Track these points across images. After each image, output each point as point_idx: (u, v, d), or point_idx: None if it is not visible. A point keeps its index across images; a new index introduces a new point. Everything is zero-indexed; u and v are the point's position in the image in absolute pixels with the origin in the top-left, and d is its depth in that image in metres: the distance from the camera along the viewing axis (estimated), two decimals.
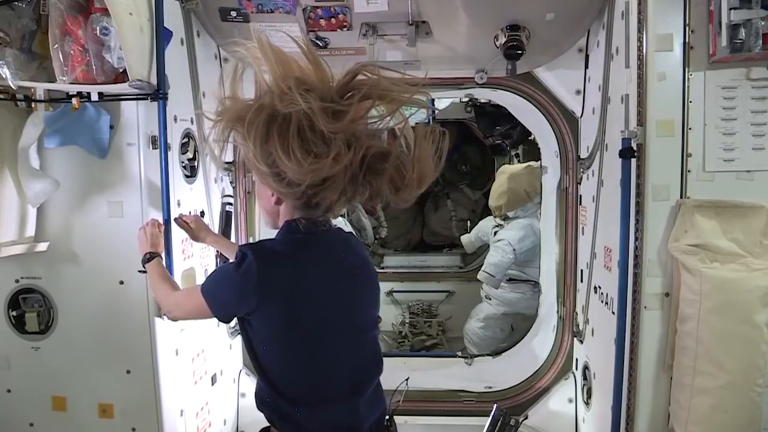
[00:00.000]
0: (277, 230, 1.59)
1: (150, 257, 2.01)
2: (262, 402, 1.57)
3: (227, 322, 1.65)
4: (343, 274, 1.56)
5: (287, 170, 1.30)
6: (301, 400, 1.51)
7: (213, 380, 2.77)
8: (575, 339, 3.01)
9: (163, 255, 2.09)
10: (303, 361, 1.50)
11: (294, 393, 1.51)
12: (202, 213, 2.66)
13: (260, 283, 1.43)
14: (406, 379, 1.95)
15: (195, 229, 2.27)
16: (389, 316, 5.28)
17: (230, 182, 3.03)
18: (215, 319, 1.59)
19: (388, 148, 1.39)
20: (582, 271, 2.89)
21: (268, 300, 1.44)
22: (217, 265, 2.79)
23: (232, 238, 2.97)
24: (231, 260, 2.84)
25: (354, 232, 4.78)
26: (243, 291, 1.45)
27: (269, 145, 1.32)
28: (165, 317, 1.96)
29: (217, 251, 2.79)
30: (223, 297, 1.54)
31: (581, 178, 2.89)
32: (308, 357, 1.50)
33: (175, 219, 2.24)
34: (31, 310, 2.30)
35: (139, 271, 2.09)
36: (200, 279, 2.64)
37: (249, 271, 1.44)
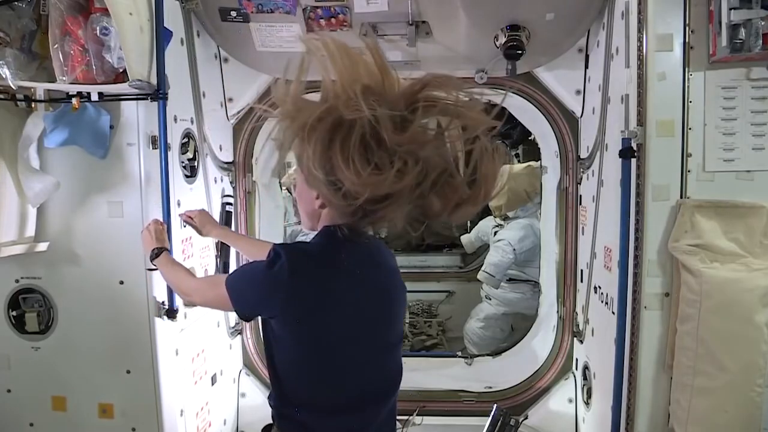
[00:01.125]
0: (314, 233, 1.52)
1: (158, 252, 1.99)
2: (271, 400, 1.55)
3: (247, 320, 1.61)
4: (375, 286, 1.50)
5: (346, 181, 1.23)
6: (312, 407, 1.47)
7: (213, 380, 2.77)
8: (575, 339, 3.01)
9: (170, 249, 2.07)
10: (321, 371, 1.44)
11: (305, 399, 1.47)
12: None
13: (289, 289, 1.37)
14: (415, 411, 1.87)
15: (200, 223, 2.26)
16: None
17: (230, 182, 3.03)
18: (223, 315, 1.56)
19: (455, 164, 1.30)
20: (582, 271, 2.89)
21: (294, 307, 1.39)
22: (217, 265, 2.79)
23: None
24: (239, 255, 2.88)
25: None
26: (269, 293, 1.41)
27: (330, 152, 1.24)
28: (180, 305, 1.90)
29: (217, 252, 2.79)
30: (247, 294, 1.49)
31: (581, 178, 2.89)
32: (327, 368, 1.44)
33: (180, 215, 2.23)
34: (31, 310, 2.30)
35: (148, 269, 2.11)
36: None
37: (280, 275, 1.37)
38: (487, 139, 1.28)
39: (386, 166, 1.21)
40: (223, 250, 2.82)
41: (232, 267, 2.98)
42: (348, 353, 1.45)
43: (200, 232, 2.28)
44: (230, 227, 2.90)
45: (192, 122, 2.54)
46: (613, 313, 2.24)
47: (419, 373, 3.26)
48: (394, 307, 1.56)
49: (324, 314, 1.40)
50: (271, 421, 1.58)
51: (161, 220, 2.15)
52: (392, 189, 1.22)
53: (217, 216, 2.83)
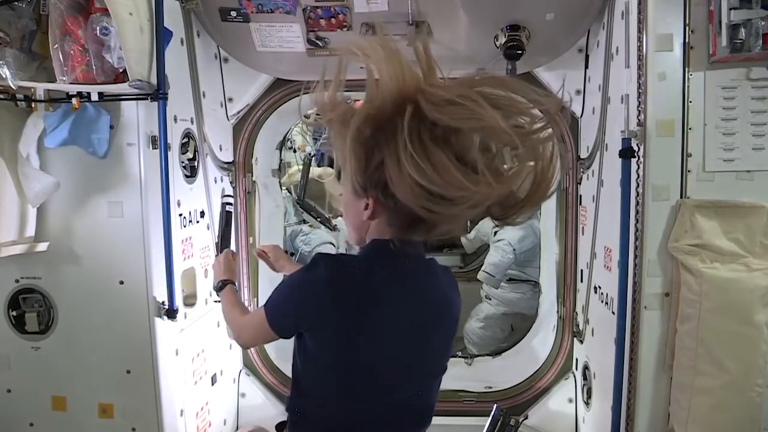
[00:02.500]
0: (361, 247, 1.41)
1: (223, 285, 1.96)
2: (289, 408, 1.49)
3: (285, 336, 1.48)
4: (419, 312, 1.38)
5: (449, 191, 1.13)
6: (330, 423, 1.41)
7: (213, 380, 2.77)
8: (575, 339, 3.01)
9: (236, 282, 2.03)
10: (346, 392, 1.37)
11: (323, 414, 1.41)
12: (202, 213, 2.66)
13: (325, 297, 1.30)
14: None
15: (273, 258, 2.17)
16: None
17: (230, 182, 3.03)
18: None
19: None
20: (582, 271, 2.89)
21: (327, 316, 1.31)
22: None
23: (232, 238, 2.97)
24: (239, 257, 2.87)
25: None
26: (305, 300, 1.33)
27: (381, 156, 1.17)
28: (235, 342, 1.82)
29: (217, 252, 2.79)
30: (283, 306, 1.41)
31: (581, 178, 2.89)
32: (353, 390, 1.36)
33: (255, 250, 2.19)
34: (31, 310, 2.30)
35: (215, 301, 2.09)
36: (200, 279, 2.64)
37: (318, 282, 1.30)
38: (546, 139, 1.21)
39: (446, 168, 1.12)
40: (223, 250, 2.82)
41: None
42: (371, 375, 1.36)
43: (273, 268, 2.18)
44: (230, 227, 2.90)
45: (192, 122, 2.54)
46: (613, 313, 2.24)
47: None
48: (433, 337, 1.42)
49: (356, 331, 1.31)
50: (284, 420, 1.53)
51: (233, 250, 2.12)
52: (490, 193, 1.14)
53: (217, 216, 2.83)
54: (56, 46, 2.01)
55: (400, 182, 1.15)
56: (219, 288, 1.96)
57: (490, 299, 4.30)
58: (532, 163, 1.19)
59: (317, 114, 1.31)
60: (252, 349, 3.20)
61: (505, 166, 1.20)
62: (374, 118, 1.19)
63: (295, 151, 4.63)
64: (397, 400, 1.41)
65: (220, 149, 2.90)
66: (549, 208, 3.26)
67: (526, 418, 2.85)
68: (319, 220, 4.21)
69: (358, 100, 5.00)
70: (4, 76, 1.99)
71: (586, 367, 2.84)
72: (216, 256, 2.78)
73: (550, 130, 1.21)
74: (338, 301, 1.30)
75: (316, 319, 1.32)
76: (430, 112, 1.12)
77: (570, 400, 3.04)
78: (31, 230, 2.22)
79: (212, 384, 2.76)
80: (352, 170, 1.24)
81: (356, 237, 1.43)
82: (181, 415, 2.39)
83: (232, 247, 2.97)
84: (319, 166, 4.61)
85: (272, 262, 2.18)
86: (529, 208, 1.25)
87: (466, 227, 1.33)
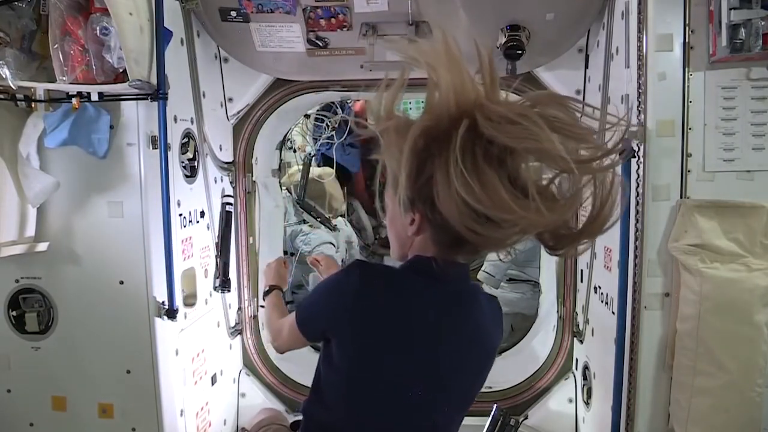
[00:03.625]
0: (402, 262, 1.37)
1: (270, 290, 1.97)
2: (303, 411, 1.47)
3: (313, 339, 1.45)
4: (449, 339, 1.31)
5: (496, 212, 1.08)
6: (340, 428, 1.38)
7: (213, 380, 2.77)
8: (575, 339, 3.01)
9: (284, 290, 2.03)
10: (358, 406, 1.34)
11: (336, 426, 1.38)
12: (202, 213, 2.66)
13: (354, 300, 1.27)
14: None
15: (324, 267, 2.18)
16: None
17: (230, 182, 3.03)
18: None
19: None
20: (582, 271, 2.89)
21: (350, 329, 1.28)
22: (217, 265, 2.80)
23: (232, 238, 2.97)
24: (239, 258, 2.86)
25: (355, 233, 4.78)
26: (336, 301, 1.31)
27: (432, 171, 1.12)
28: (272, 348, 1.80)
29: (217, 252, 2.80)
30: (313, 308, 1.40)
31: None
32: (366, 405, 1.33)
33: (308, 258, 2.20)
34: (31, 310, 2.30)
35: (261, 306, 2.09)
36: (200, 279, 2.64)
37: (351, 284, 1.28)
38: (607, 167, 1.14)
39: (496, 188, 1.07)
40: (223, 250, 2.83)
41: (232, 267, 2.99)
42: (386, 393, 1.31)
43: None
44: (230, 227, 2.91)
45: (192, 122, 2.54)
46: (613, 313, 2.24)
47: None
48: (459, 368, 1.35)
49: (376, 345, 1.28)
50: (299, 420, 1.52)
51: (285, 259, 2.13)
52: (539, 221, 1.08)
53: (217, 216, 2.83)
54: (56, 46, 2.01)
55: (447, 199, 1.10)
56: (266, 293, 1.96)
57: None
58: (589, 193, 1.13)
59: (369, 121, 1.26)
60: (252, 349, 3.20)
61: (559, 194, 1.14)
62: (430, 129, 1.13)
63: (295, 151, 4.64)
64: (411, 426, 1.35)
65: (220, 149, 2.90)
66: None
67: (526, 418, 2.85)
68: (319, 220, 4.21)
69: (358, 101, 5.01)
70: (4, 76, 1.99)
71: (586, 367, 2.84)
72: (216, 255, 2.79)
73: (611, 158, 1.15)
74: (364, 313, 1.26)
75: (340, 326, 1.29)
76: (486, 128, 1.07)
77: (570, 400, 3.04)
78: (31, 230, 2.22)
79: (212, 384, 2.76)
80: (402, 182, 1.18)
81: (399, 252, 1.38)
82: (181, 415, 2.39)
83: (232, 247, 2.97)
84: (319, 166, 4.61)
85: (323, 271, 2.17)
86: (584, 241, 1.19)
87: (510, 250, 1.26)
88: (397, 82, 1.20)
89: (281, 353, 1.72)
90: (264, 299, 1.97)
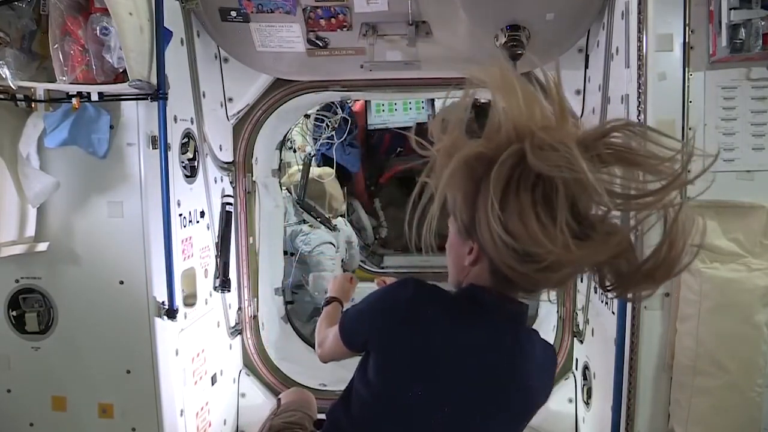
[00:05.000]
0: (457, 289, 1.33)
1: (330, 301, 1.98)
2: (328, 414, 1.45)
3: (353, 348, 1.40)
4: (487, 382, 1.23)
5: (544, 253, 1.02)
6: None
7: (213, 380, 2.77)
8: (575, 339, 3.00)
9: (344, 305, 2.01)
10: (378, 426, 1.30)
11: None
12: (202, 213, 2.66)
13: (401, 314, 1.23)
14: None
15: None
16: None
17: (230, 182, 3.03)
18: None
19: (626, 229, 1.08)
20: None
21: (387, 346, 1.25)
22: (217, 265, 2.79)
23: (232, 238, 2.97)
24: (239, 257, 2.85)
25: (354, 233, 4.78)
26: (382, 311, 1.28)
27: (507, 206, 1.05)
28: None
29: (217, 252, 2.80)
30: (356, 317, 1.36)
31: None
32: (386, 426, 1.29)
33: (377, 280, 2.16)
34: (31, 310, 2.30)
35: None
36: (200, 279, 2.64)
37: (401, 296, 1.25)
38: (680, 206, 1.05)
39: (529, 218, 1.02)
40: (223, 250, 2.82)
41: (232, 267, 2.99)
42: (410, 422, 1.26)
43: None
44: (230, 227, 2.91)
45: (192, 122, 2.54)
46: (613, 313, 2.24)
47: None
48: (493, 415, 1.26)
49: (410, 369, 1.23)
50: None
51: (356, 278, 2.14)
52: (567, 257, 1.02)
53: (217, 216, 2.83)
54: (56, 46, 2.01)
55: (485, 227, 1.07)
56: (326, 303, 1.96)
57: None
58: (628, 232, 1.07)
59: (427, 141, 1.21)
60: (252, 349, 3.20)
61: (601, 229, 1.06)
62: (484, 155, 1.09)
63: (295, 151, 4.63)
64: None
65: (220, 149, 2.90)
66: None
67: None
68: (319, 220, 4.21)
69: (357, 101, 4.99)
70: (4, 76, 1.99)
71: (586, 367, 2.84)
72: (216, 255, 2.79)
73: (674, 198, 1.06)
74: (407, 331, 1.22)
75: (382, 339, 1.26)
76: (530, 155, 1.02)
77: (570, 400, 3.04)
78: (31, 230, 2.22)
79: (212, 384, 2.76)
80: (458, 208, 1.16)
81: (455, 279, 1.32)
82: (181, 415, 2.38)
83: (232, 247, 2.97)
84: (319, 166, 4.61)
85: None
86: (647, 286, 1.11)
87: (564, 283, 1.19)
88: (461, 103, 1.17)
89: (324, 362, 1.66)
90: (322, 308, 1.97)
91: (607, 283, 1.13)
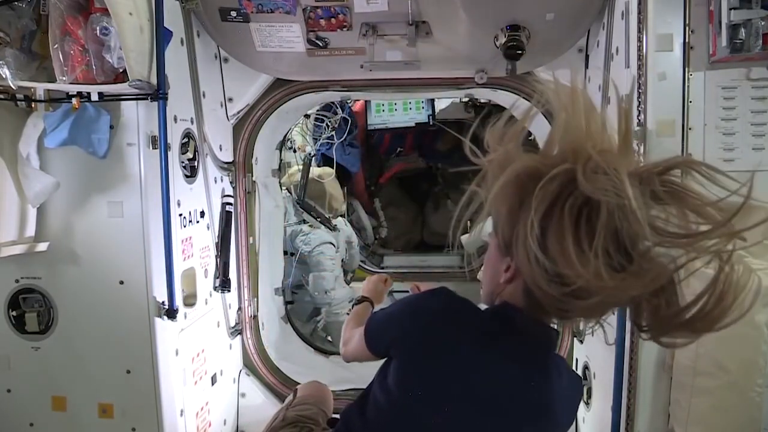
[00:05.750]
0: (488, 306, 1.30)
1: (362, 300, 1.97)
2: (342, 414, 1.43)
3: (376, 352, 1.37)
4: (508, 401, 1.20)
5: (573, 276, 0.98)
6: None
7: (213, 380, 2.77)
8: (575, 339, 3.00)
9: (374, 305, 2.00)
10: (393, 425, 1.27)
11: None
12: (202, 213, 2.66)
13: (428, 323, 1.21)
14: None
15: None
16: None
17: (230, 182, 3.03)
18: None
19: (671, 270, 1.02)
20: None
21: (409, 355, 1.22)
22: (217, 265, 2.80)
23: (232, 238, 2.97)
24: (239, 257, 2.84)
25: (354, 233, 4.78)
26: (410, 317, 1.26)
27: (548, 224, 1.02)
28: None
29: (217, 252, 2.80)
30: (383, 320, 1.34)
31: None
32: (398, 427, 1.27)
33: (411, 286, 2.18)
34: (31, 310, 2.30)
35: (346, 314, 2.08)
36: (200, 279, 2.64)
37: (431, 304, 1.23)
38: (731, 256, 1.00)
39: (566, 238, 0.99)
40: (223, 250, 2.83)
41: (232, 267, 2.99)
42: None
43: None
44: (230, 227, 2.91)
45: (192, 122, 2.54)
46: (613, 313, 2.23)
47: None
48: None
49: (427, 382, 1.20)
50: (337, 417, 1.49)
51: (390, 279, 2.14)
52: (597, 284, 0.97)
53: (217, 216, 2.83)
54: (56, 46, 2.01)
55: (521, 243, 1.04)
56: (357, 302, 1.96)
57: None
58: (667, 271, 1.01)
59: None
60: (252, 349, 3.20)
61: (643, 263, 1.01)
62: (536, 169, 1.05)
63: (295, 151, 4.63)
64: None
65: (220, 149, 2.90)
66: None
67: None
68: (319, 220, 4.21)
69: (357, 101, 4.99)
70: (4, 76, 1.99)
71: (586, 367, 2.84)
72: (216, 255, 2.79)
73: (726, 245, 1.02)
74: (432, 342, 1.20)
75: (405, 346, 1.23)
76: (581, 176, 0.99)
77: None
78: (31, 230, 2.22)
79: (212, 384, 2.76)
80: (502, 222, 1.13)
81: (487, 296, 1.30)
82: (181, 415, 2.38)
83: (232, 247, 2.97)
84: (319, 166, 4.61)
85: None
86: (685, 335, 1.06)
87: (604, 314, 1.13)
88: (524, 115, 1.14)
89: (347, 362, 1.65)
90: (352, 306, 1.97)
91: (643, 323, 1.08)
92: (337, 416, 1.48)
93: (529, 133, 4.23)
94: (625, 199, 0.95)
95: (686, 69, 1.99)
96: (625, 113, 1.07)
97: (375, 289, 2.05)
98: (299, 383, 3.14)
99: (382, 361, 1.36)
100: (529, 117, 1.14)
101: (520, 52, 2.49)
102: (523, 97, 2.93)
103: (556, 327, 1.24)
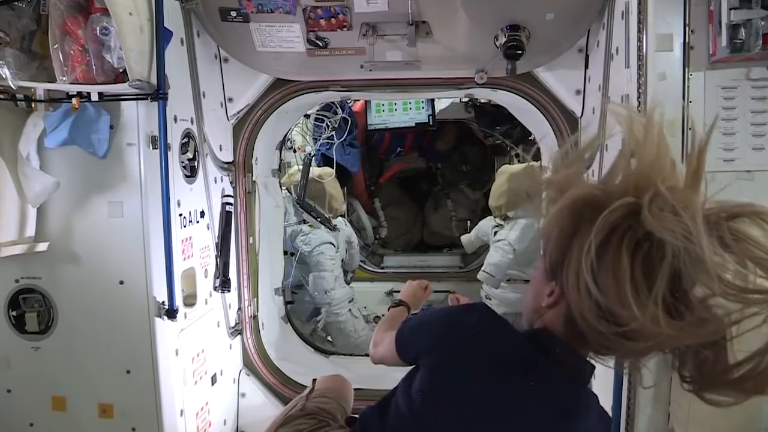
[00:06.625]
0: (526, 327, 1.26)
1: (399, 304, 1.96)
2: (361, 415, 1.42)
3: (404, 357, 1.36)
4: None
5: (628, 317, 0.95)
6: None
7: (213, 380, 2.77)
8: None
9: (411, 310, 1.98)
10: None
11: None
12: (202, 213, 2.66)
13: (449, 345, 1.18)
14: None
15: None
16: None
17: (230, 182, 3.03)
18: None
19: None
20: None
21: (437, 368, 1.19)
22: (217, 265, 2.79)
23: (232, 238, 2.97)
24: (239, 257, 2.84)
25: (354, 233, 4.78)
26: (444, 330, 1.23)
27: (603, 255, 0.98)
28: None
29: (217, 252, 2.80)
30: (417, 328, 1.33)
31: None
32: None
33: (450, 296, 2.17)
34: (31, 310, 2.30)
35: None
36: (200, 279, 2.64)
37: (457, 326, 1.20)
38: None
39: (623, 277, 0.94)
40: (223, 250, 2.82)
41: (232, 267, 2.99)
42: None
43: None
44: (230, 227, 2.91)
45: (192, 122, 2.54)
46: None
47: None
48: None
49: (458, 397, 1.15)
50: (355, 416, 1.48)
51: (430, 286, 2.12)
52: (652, 330, 0.93)
53: (217, 216, 2.83)
54: (56, 46, 2.01)
55: (573, 269, 1.01)
56: (394, 305, 1.95)
57: (490, 299, 4.29)
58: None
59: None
60: (252, 349, 3.20)
61: (701, 313, 0.96)
62: (595, 197, 1.03)
63: (295, 151, 4.63)
64: None
65: (220, 149, 2.90)
66: None
67: None
68: (319, 220, 4.21)
69: (357, 101, 4.98)
70: (4, 76, 1.99)
71: None
72: (216, 255, 2.79)
73: None
74: (462, 358, 1.17)
75: (433, 358, 1.21)
76: (646, 212, 0.95)
77: None
78: (31, 230, 2.22)
79: (212, 384, 2.76)
80: (552, 246, 1.10)
81: (527, 317, 1.26)
82: (181, 415, 2.38)
83: (232, 247, 2.97)
84: (319, 166, 4.61)
85: None
86: (733, 394, 1.01)
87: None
88: (587, 144, 1.13)
89: (374, 363, 1.63)
90: (388, 309, 1.96)
91: (687, 374, 1.05)
92: (355, 416, 1.48)
93: (529, 133, 4.24)
94: (696, 246, 0.90)
95: (686, 69, 1.99)
96: (699, 149, 1.03)
97: (414, 294, 2.03)
98: (299, 383, 3.15)
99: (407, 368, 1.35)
100: (594, 146, 1.10)
101: (520, 52, 2.50)
102: (523, 97, 2.93)
103: (592, 361, 1.19)
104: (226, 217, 2.87)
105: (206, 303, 2.71)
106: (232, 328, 3.04)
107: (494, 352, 1.17)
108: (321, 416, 1.86)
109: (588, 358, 1.18)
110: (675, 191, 0.98)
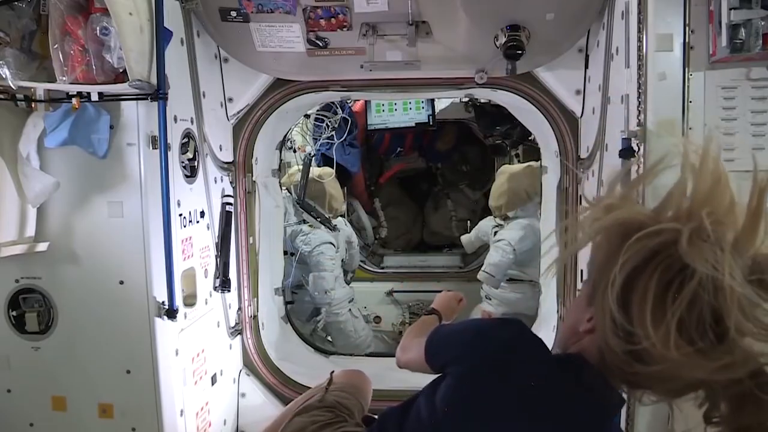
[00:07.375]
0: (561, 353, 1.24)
1: (431, 312, 1.97)
2: (381, 416, 1.41)
3: (432, 364, 1.35)
4: None
5: (641, 336, 0.95)
6: None
7: (213, 380, 2.77)
8: None
9: (443, 320, 1.98)
10: None
11: None
12: (202, 213, 2.66)
13: (478, 358, 1.16)
14: None
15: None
16: (389, 316, 5.28)
17: (230, 182, 3.03)
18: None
19: None
20: (582, 270, 2.89)
21: (469, 377, 1.17)
22: (217, 265, 2.80)
23: (232, 238, 2.97)
24: (239, 256, 2.83)
25: (354, 233, 4.78)
26: (474, 341, 1.22)
27: (633, 284, 0.97)
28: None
29: (217, 252, 2.80)
30: (448, 336, 1.32)
31: (581, 178, 2.89)
32: None
33: (483, 312, 2.16)
34: (31, 310, 2.30)
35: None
36: (200, 279, 2.64)
37: (499, 334, 1.19)
38: None
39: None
40: (223, 250, 2.83)
41: (232, 267, 2.99)
42: None
43: None
44: (230, 227, 2.91)
45: (192, 122, 2.54)
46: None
47: (419, 374, 3.25)
48: None
49: (481, 411, 1.14)
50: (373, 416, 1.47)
51: (462, 298, 2.11)
52: (662, 351, 0.92)
53: (217, 216, 2.83)
54: (56, 46, 2.01)
55: (602, 290, 1.00)
56: (428, 313, 1.96)
57: (490, 299, 4.29)
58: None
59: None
60: (252, 349, 3.20)
61: (709, 343, 0.94)
62: (644, 226, 0.99)
63: (295, 151, 4.63)
64: None
65: (220, 149, 2.91)
66: (549, 208, 3.26)
67: None
68: (319, 220, 4.21)
69: (357, 101, 4.99)
70: (4, 76, 1.99)
71: None
72: (216, 255, 2.79)
73: None
74: (490, 372, 1.15)
75: (461, 368, 1.19)
76: (683, 240, 0.93)
77: None
78: (31, 230, 2.22)
79: (212, 384, 2.76)
80: (595, 269, 1.07)
81: (563, 340, 1.24)
82: (181, 415, 2.38)
83: (232, 247, 2.97)
84: (319, 166, 4.62)
85: None
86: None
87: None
88: (648, 169, 1.10)
89: (399, 367, 1.63)
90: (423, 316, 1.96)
91: (715, 414, 1.03)
92: (370, 415, 1.48)
93: (529, 133, 4.24)
94: (720, 274, 0.89)
95: (686, 69, 1.99)
96: (759, 188, 1.01)
97: (448, 305, 2.02)
98: (299, 383, 3.16)
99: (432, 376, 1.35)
100: (655, 173, 1.07)
101: (520, 52, 2.50)
102: (523, 97, 2.94)
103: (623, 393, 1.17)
104: (226, 217, 2.87)
105: (206, 303, 2.71)
106: (232, 328, 3.04)
107: (524, 371, 1.14)
108: (339, 410, 1.85)
109: (619, 390, 1.15)
110: (719, 225, 0.95)
